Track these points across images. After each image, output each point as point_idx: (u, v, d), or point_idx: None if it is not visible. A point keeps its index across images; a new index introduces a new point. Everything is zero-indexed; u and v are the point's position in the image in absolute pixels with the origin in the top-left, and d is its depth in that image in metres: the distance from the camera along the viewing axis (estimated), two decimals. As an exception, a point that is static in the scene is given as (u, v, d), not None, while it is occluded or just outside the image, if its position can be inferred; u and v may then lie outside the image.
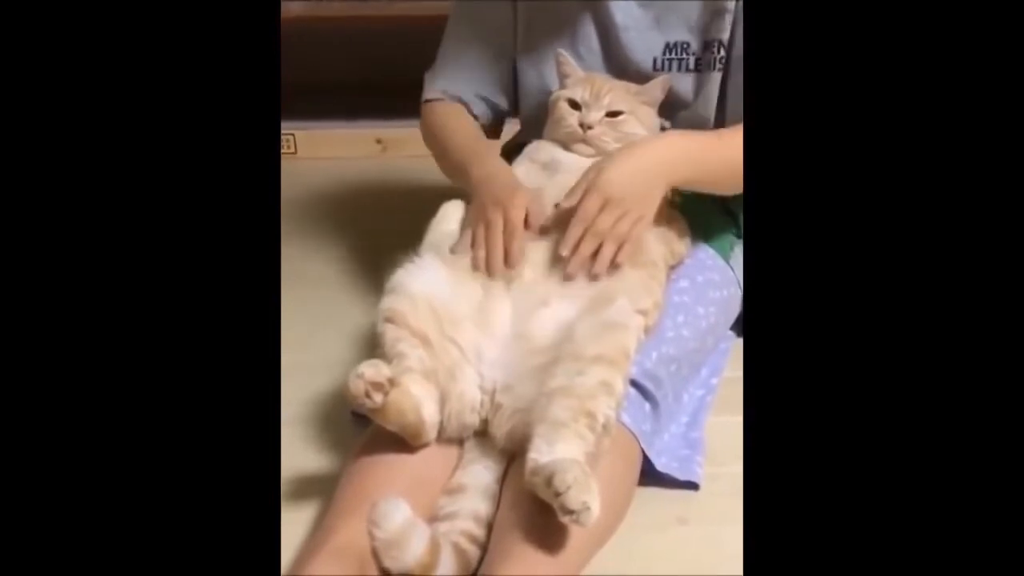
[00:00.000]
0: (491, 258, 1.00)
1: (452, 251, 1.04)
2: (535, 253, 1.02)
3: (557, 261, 1.01)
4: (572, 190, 1.03)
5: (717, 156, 1.07)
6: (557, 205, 1.03)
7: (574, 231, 1.00)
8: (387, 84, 1.37)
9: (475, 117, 1.26)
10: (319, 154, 1.93)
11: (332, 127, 1.95)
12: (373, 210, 1.71)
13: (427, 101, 1.27)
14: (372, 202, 1.75)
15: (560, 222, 1.02)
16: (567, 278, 0.99)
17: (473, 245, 1.03)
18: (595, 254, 1.00)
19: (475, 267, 1.01)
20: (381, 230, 1.60)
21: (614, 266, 1.00)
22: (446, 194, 1.14)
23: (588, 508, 0.79)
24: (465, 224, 1.07)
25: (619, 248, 1.00)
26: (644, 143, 1.06)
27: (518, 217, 1.01)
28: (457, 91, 1.25)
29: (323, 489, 0.98)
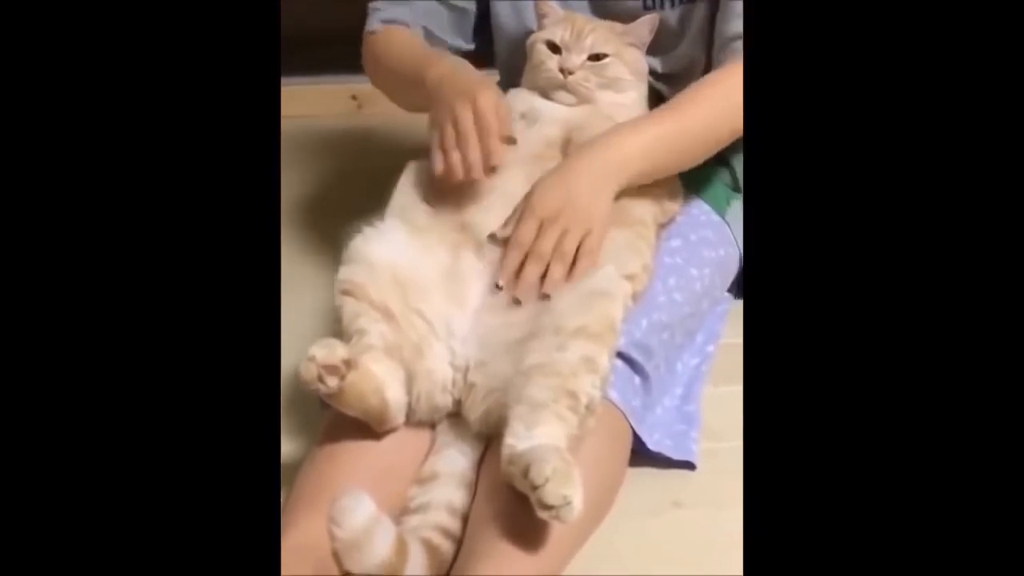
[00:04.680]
0: (468, 157, 0.91)
1: (434, 171, 0.93)
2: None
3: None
4: (508, 219, 0.92)
5: (675, 138, 0.97)
6: (492, 236, 0.92)
7: (511, 257, 0.89)
8: (362, 34, 1.27)
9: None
10: (288, 112, 1.80)
11: (302, 82, 1.85)
12: (348, 172, 1.62)
13: (369, 33, 1.15)
14: (347, 163, 1.66)
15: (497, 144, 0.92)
16: (514, 304, 0.89)
17: (443, 148, 0.92)
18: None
19: (452, 174, 0.91)
20: (356, 193, 1.51)
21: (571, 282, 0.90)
22: (427, 154, 1.04)
23: (569, 503, 0.72)
24: (430, 127, 0.96)
25: (571, 266, 0.90)
26: (583, 151, 0.95)
27: (489, 108, 0.91)
28: (404, 20, 1.13)
29: (287, 479, 0.90)
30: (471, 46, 1.17)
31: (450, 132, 0.92)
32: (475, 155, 0.91)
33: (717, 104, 0.97)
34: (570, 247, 0.90)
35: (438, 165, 0.93)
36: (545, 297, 0.89)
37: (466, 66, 1.01)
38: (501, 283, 0.89)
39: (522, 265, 0.89)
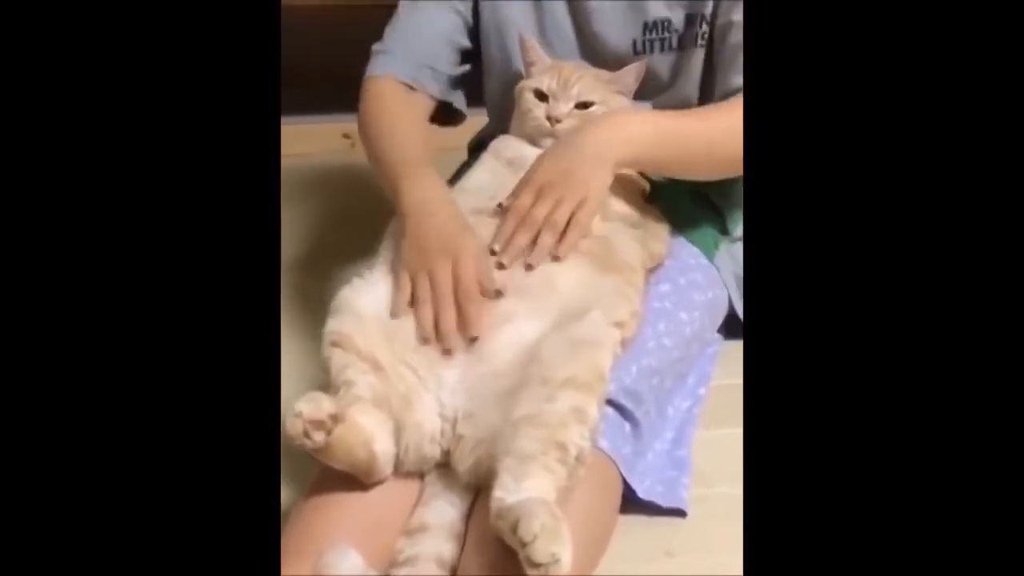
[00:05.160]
0: (443, 323, 0.87)
1: (391, 315, 0.89)
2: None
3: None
4: (515, 188, 0.96)
5: (683, 134, 0.98)
6: (500, 205, 0.95)
7: (507, 225, 0.93)
8: (355, 73, 1.27)
9: (430, 96, 1.14)
10: (281, 150, 1.82)
11: (294, 121, 1.84)
12: (340, 211, 1.61)
13: (367, 78, 1.14)
14: (339, 202, 1.65)
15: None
16: (499, 267, 0.91)
17: (415, 303, 0.89)
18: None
19: (423, 333, 0.87)
20: (349, 232, 1.50)
21: (555, 257, 0.92)
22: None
23: (557, 560, 0.70)
24: (396, 265, 0.92)
25: (562, 235, 0.92)
26: (591, 124, 0.98)
27: (469, 273, 0.88)
28: (406, 68, 1.12)
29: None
30: (469, 69, 1.17)
31: (424, 286, 0.88)
32: (451, 324, 0.86)
33: (724, 121, 0.97)
34: (562, 216, 0.92)
35: (400, 311, 0.89)
36: (529, 267, 0.91)
37: (442, 198, 0.96)
38: (496, 248, 0.91)
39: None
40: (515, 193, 0.95)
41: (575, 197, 0.93)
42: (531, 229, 0.92)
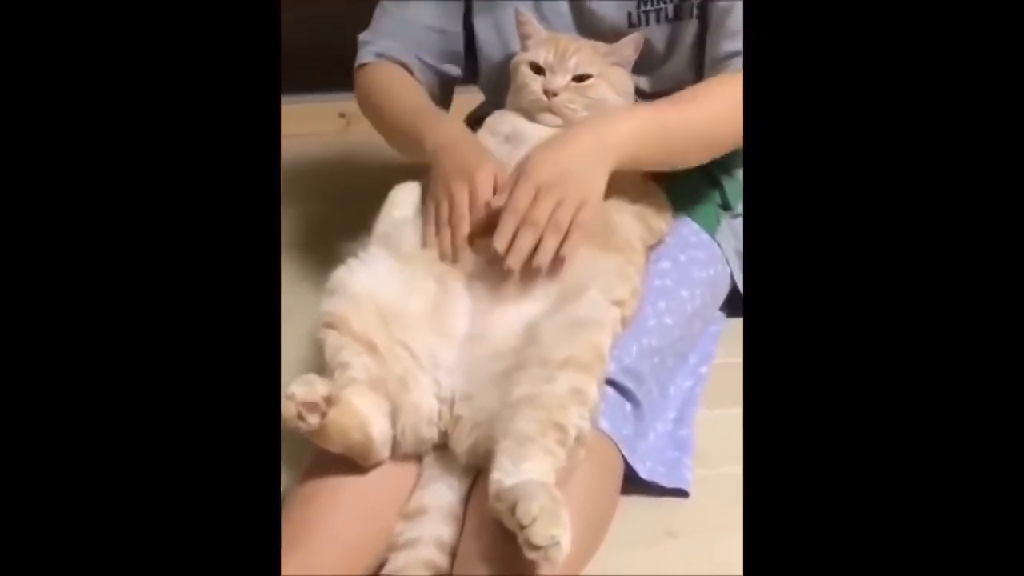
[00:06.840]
0: (455, 241, 0.91)
1: (423, 245, 0.93)
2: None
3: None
4: (503, 184, 0.92)
5: (678, 127, 0.96)
6: (487, 204, 0.92)
7: (507, 223, 0.89)
8: (350, 52, 1.25)
9: (421, 81, 1.13)
10: (276, 131, 1.80)
11: (290, 101, 1.82)
12: (336, 192, 1.59)
13: (361, 66, 1.14)
14: (335, 183, 1.64)
15: (494, 222, 0.90)
16: (507, 273, 0.88)
17: (436, 228, 0.92)
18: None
19: (441, 255, 0.91)
20: (345, 213, 1.48)
21: (559, 260, 0.89)
22: (417, 173, 1.03)
23: (557, 543, 0.70)
24: (426, 199, 0.96)
25: (563, 238, 0.89)
26: (582, 124, 0.95)
27: (485, 190, 0.91)
28: (396, 55, 1.12)
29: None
30: (459, 72, 1.16)
31: (445, 209, 0.92)
32: (460, 239, 0.91)
33: (717, 106, 0.96)
34: (565, 218, 0.89)
35: (428, 240, 0.93)
36: (536, 271, 0.88)
37: (464, 134, 1.00)
38: (498, 247, 0.88)
39: (517, 232, 0.89)
40: (510, 190, 0.91)
41: (575, 199, 0.90)
42: (535, 231, 0.88)
